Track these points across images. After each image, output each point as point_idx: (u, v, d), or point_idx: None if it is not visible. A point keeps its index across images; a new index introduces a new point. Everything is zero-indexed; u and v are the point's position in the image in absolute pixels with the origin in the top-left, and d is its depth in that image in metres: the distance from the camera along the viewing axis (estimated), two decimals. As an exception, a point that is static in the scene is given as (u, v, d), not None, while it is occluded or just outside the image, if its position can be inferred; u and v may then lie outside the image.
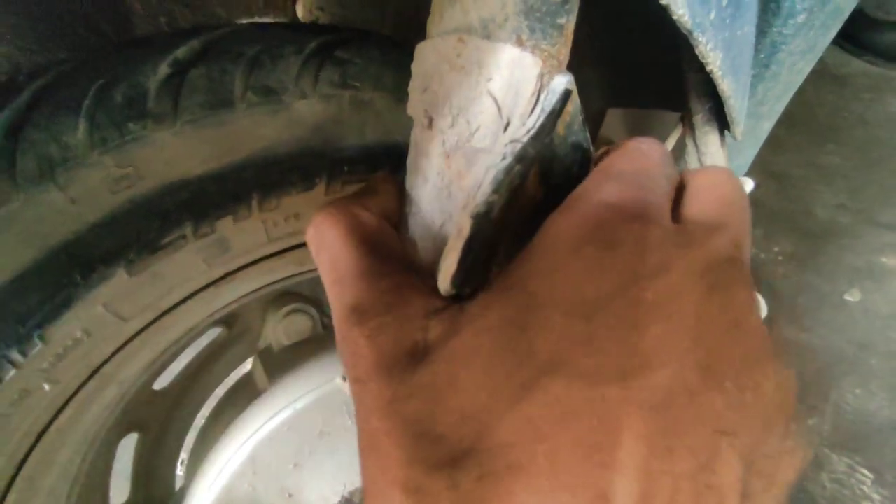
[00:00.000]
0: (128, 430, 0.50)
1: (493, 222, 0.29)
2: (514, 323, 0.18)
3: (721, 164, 0.61)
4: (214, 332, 0.57)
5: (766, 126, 0.83)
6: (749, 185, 0.62)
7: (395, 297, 0.22)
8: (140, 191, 0.33)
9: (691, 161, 0.63)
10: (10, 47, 0.49)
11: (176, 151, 0.34)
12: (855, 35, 2.77)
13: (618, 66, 0.78)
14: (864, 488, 1.11)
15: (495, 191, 0.26)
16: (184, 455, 0.58)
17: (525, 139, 0.26)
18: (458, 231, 0.27)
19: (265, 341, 0.56)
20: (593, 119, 0.87)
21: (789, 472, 0.18)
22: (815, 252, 1.66)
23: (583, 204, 0.22)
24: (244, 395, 0.52)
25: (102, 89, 0.32)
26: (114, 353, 0.36)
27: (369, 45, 0.41)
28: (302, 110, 0.37)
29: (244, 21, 0.54)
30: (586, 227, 0.20)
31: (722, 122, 0.61)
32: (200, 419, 0.57)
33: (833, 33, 0.72)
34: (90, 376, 0.36)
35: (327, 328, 0.58)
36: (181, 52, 0.35)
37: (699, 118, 0.60)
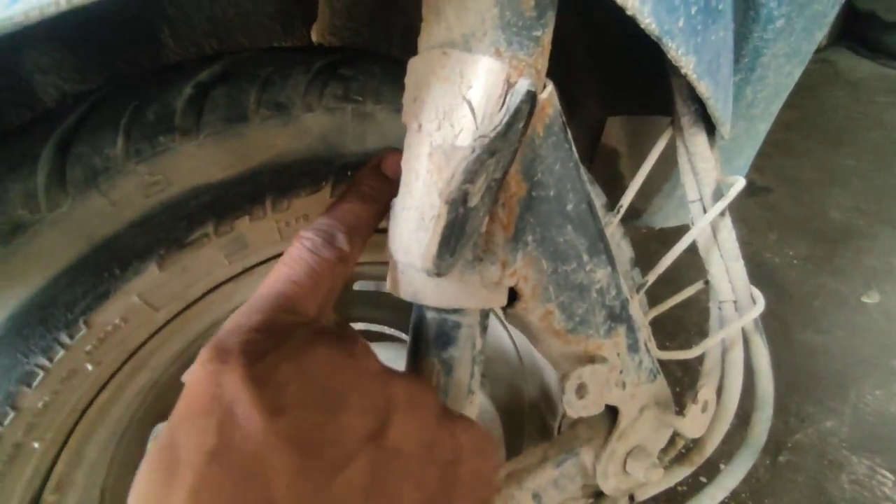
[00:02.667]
0: (159, 420, 0.55)
1: (473, 210, 0.33)
2: None
3: (710, 163, 0.64)
4: (236, 330, 0.61)
5: (762, 128, 0.85)
6: (741, 183, 0.64)
7: None
8: (169, 195, 0.38)
9: (682, 162, 0.66)
10: (56, 78, 0.56)
11: (199, 160, 0.39)
12: (868, 39, 2.76)
13: (615, 76, 0.81)
14: (886, 489, 1.09)
15: (467, 180, 0.30)
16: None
17: (492, 134, 0.30)
18: (437, 216, 0.31)
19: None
20: (593, 127, 0.90)
21: None
22: (831, 255, 1.65)
23: None
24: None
25: (136, 109, 0.37)
26: (147, 340, 0.41)
27: (370, 62, 0.46)
28: (309, 122, 0.42)
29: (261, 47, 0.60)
30: None
31: (709, 123, 0.63)
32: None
33: (819, 36, 0.74)
34: (126, 360, 0.40)
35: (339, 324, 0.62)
36: (203, 75, 0.40)
37: (686, 120, 0.62)
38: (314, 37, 0.74)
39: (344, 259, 0.34)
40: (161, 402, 0.53)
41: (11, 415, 0.36)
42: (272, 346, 0.27)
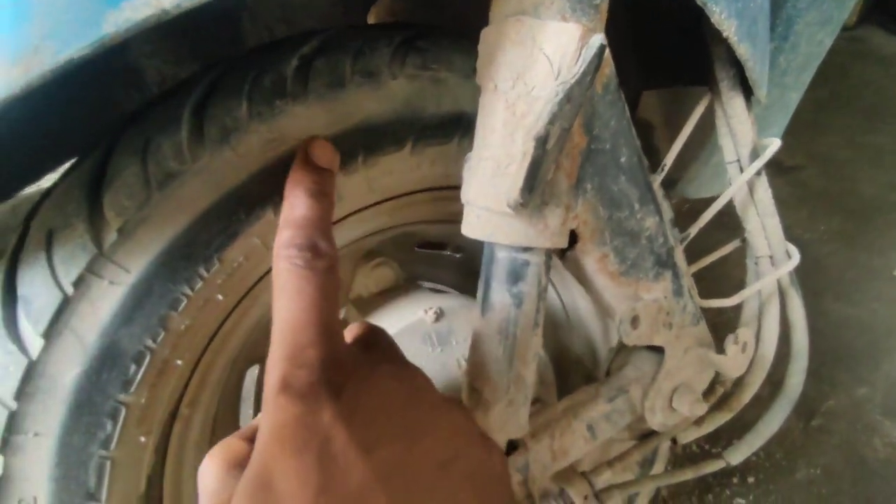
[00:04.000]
0: (252, 362, 0.62)
1: (548, 153, 0.39)
2: None
3: (747, 125, 0.69)
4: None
5: (794, 97, 0.88)
6: (776, 143, 0.68)
7: None
8: (283, 150, 0.45)
9: (720, 125, 0.71)
10: (159, 62, 0.63)
11: (307, 121, 0.45)
12: (901, 15, 2.71)
13: (652, 50, 0.85)
14: (920, 451, 1.12)
15: (551, 122, 0.36)
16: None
17: (572, 81, 0.35)
18: (524, 154, 0.37)
19: (356, 292, 0.67)
20: (631, 102, 0.95)
21: None
22: (863, 229, 1.66)
23: None
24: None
25: (256, 77, 0.44)
26: (261, 278, 0.48)
27: (442, 36, 0.52)
28: (394, 88, 0.48)
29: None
30: None
31: (746, 88, 0.68)
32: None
33: (851, 4, 0.77)
34: (245, 294, 0.47)
35: (406, 280, 0.69)
36: (306, 49, 0.46)
37: (724, 85, 0.67)
38: (370, 19, 0.81)
39: (333, 264, 0.35)
40: (256, 346, 0.61)
41: (162, 334, 0.43)
42: (341, 379, 0.29)
